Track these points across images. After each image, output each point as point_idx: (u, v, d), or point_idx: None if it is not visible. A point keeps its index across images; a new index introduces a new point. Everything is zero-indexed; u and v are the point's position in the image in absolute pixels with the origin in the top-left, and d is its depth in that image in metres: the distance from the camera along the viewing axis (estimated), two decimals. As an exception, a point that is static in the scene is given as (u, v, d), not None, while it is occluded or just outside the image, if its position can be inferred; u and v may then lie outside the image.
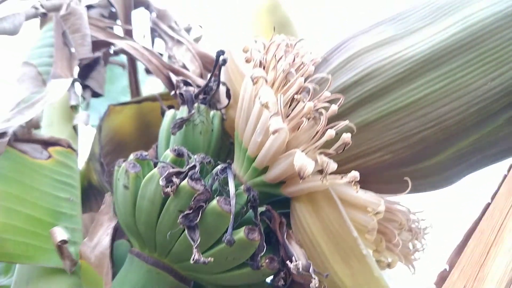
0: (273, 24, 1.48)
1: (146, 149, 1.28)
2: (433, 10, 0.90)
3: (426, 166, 0.92)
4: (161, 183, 0.85)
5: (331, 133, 0.82)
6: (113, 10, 1.44)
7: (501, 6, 0.84)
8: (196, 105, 1.08)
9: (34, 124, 1.04)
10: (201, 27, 1.57)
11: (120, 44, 1.22)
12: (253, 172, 0.99)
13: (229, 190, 0.88)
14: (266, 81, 0.90)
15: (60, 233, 0.87)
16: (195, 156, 0.95)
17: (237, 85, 1.10)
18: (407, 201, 1.02)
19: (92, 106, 1.65)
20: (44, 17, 1.26)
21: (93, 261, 0.87)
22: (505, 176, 0.84)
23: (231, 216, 0.85)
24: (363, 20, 1.01)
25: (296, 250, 0.92)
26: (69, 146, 1.11)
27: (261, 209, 1.00)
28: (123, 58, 1.54)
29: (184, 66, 1.26)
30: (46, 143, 1.07)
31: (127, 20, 1.43)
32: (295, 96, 0.86)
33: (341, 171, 0.92)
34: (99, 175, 1.26)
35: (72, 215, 1.05)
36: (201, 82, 1.23)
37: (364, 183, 0.97)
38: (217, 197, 0.87)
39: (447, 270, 0.82)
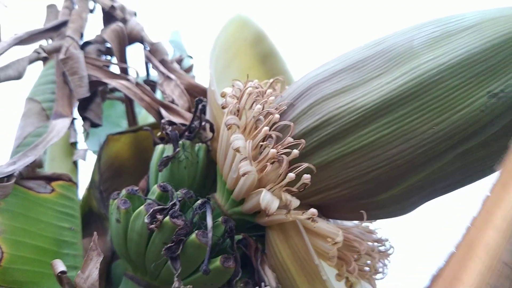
0: (258, 56, 1.59)
1: (142, 173, 1.42)
2: (386, 61, 1.00)
3: (382, 199, 1.03)
4: (146, 220, 0.98)
5: (291, 175, 0.94)
6: (109, 46, 1.56)
7: (444, 59, 0.94)
8: (181, 142, 1.20)
9: (37, 164, 1.16)
10: (191, 57, 1.69)
11: (114, 83, 1.34)
12: (232, 202, 1.11)
13: (205, 224, 1.00)
14: (238, 127, 1.02)
15: (59, 265, 1.00)
16: (179, 192, 1.08)
17: (219, 120, 1.21)
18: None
19: (93, 132, 1.79)
20: (45, 60, 1.39)
21: None
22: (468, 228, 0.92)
23: (208, 248, 0.97)
24: (328, 61, 1.12)
25: (268, 274, 1.05)
26: (70, 180, 1.24)
27: (238, 237, 1.12)
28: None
29: (173, 101, 1.37)
30: (49, 178, 1.21)
31: (122, 55, 1.55)
32: (262, 142, 0.97)
33: (307, 203, 1.05)
34: (98, 202, 1.39)
35: (73, 243, 1.18)
36: (189, 116, 1.35)
37: (329, 212, 1.10)
38: (196, 231, 0.99)
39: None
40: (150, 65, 1.60)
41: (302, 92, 1.07)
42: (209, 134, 1.27)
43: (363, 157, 0.97)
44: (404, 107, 0.95)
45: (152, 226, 0.98)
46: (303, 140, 0.97)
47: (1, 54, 1.22)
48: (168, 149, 1.18)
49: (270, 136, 0.97)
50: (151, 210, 1.00)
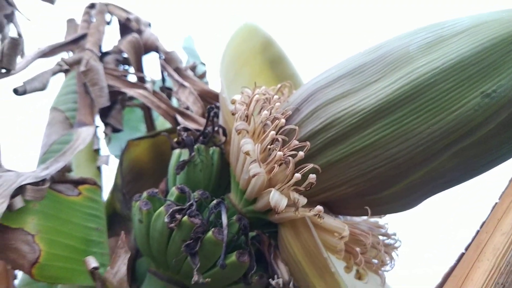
0: (267, 61, 1.67)
1: (161, 176, 1.51)
2: (384, 66, 1.07)
3: (385, 195, 1.09)
4: (166, 220, 1.07)
5: (297, 176, 1.01)
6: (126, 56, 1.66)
7: (437, 63, 1.01)
8: (196, 146, 1.29)
9: (67, 169, 1.26)
10: (204, 64, 1.77)
11: (132, 93, 1.44)
12: (245, 202, 1.19)
13: (220, 222, 1.09)
14: (247, 131, 1.10)
15: (92, 261, 1.10)
16: (195, 193, 1.17)
17: (230, 125, 1.29)
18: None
19: (114, 137, 1.89)
20: (67, 72, 1.49)
21: (115, 285, 1.10)
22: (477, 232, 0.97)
23: (223, 244, 1.06)
24: (329, 68, 1.20)
25: (281, 267, 1.13)
26: (95, 183, 1.34)
27: (253, 234, 1.21)
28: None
29: (188, 108, 1.46)
30: (77, 182, 1.31)
31: (139, 64, 1.64)
32: (269, 146, 1.05)
33: (315, 200, 1.12)
34: (121, 204, 1.49)
35: (100, 242, 1.28)
36: (203, 121, 1.44)
37: (338, 209, 1.18)
38: (212, 229, 1.08)
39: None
40: (165, 73, 1.69)
41: (306, 98, 1.14)
42: (222, 138, 1.35)
43: (365, 156, 1.04)
44: (402, 109, 1.02)
45: (172, 225, 1.07)
46: (308, 143, 1.05)
47: (26, 67, 1.32)
48: (184, 154, 1.27)
49: (277, 140, 1.05)
50: (171, 210, 1.09)
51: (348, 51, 1.24)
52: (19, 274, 1.47)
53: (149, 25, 1.75)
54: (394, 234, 1.26)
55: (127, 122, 2.05)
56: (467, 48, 1.00)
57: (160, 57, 1.66)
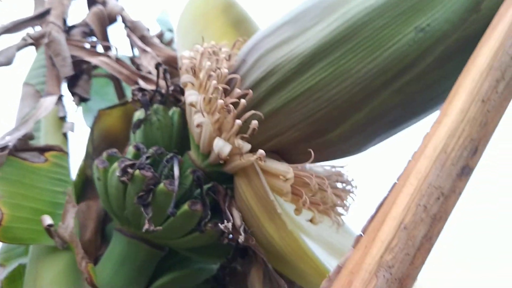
0: (231, 22, 1.67)
1: None
2: (322, 10, 1.07)
3: (332, 137, 1.11)
4: (117, 174, 1.11)
5: (238, 122, 1.04)
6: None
7: (371, 1, 1.01)
8: (155, 106, 1.31)
9: (29, 137, 1.30)
10: (171, 31, 1.79)
11: (95, 61, 1.46)
12: (202, 156, 1.22)
13: (172, 174, 1.12)
14: (193, 84, 1.12)
15: (47, 219, 1.14)
16: (150, 149, 1.20)
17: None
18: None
19: (89, 109, 1.93)
20: (31, 46, 1.52)
21: (68, 238, 1.14)
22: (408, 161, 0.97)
23: (174, 194, 1.09)
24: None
25: (234, 214, 1.16)
26: (61, 150, 1.38)
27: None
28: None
29: (150, 72, 1.49)
30: (43, 150, 1.35)
31: (104, 35, 1.67)
32: (212, 96, 1.07)
33: (266, 149, 1.14)
34: (91, 169, 1.53)
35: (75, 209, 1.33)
36: (163, 81, 1.46)
37: (288, 156, 1.19)
38: (164, 180, 1.11)
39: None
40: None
41: (251, 48, 1.16)
42: (183, 99, 1.37)
43: (307, 100, 1.06)
44: (338, 50, 1.03)
45: (123, 178, 1.10)
46: (250, 91, 1.07)
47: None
48: (141, 114, 1.30)
49: (219, 89, 1.07)
50: (123, 165, 1.12)
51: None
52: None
53: (115, -4, 1.77)
54: (351, 180, 1.28)
55: (105, 95, 2.09)
56: None
57: (125, 27, 1.68)
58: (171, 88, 1.32)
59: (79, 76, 1.59)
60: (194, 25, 1.50)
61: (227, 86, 1.08)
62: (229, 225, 1.08)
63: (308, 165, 1.35)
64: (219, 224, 1.09)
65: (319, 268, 1.05)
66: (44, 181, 1.30)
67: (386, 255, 0.80)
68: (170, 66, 1.63)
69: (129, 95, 1.84)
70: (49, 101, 1.37)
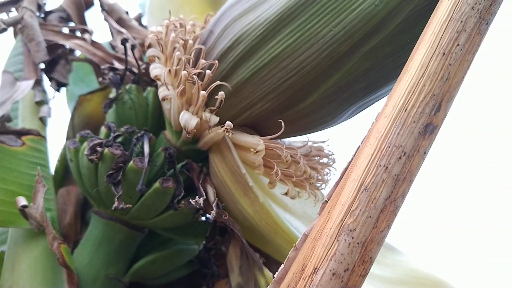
0: (208, 1, 1.64)
1: None
2: (285, -24, 1.04)
3: (303, 107, 1.08)
4: (85, 152, 1.09)
5: (203, 93, 1.01)
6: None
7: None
8: (128, 86, 1.29)
9: (6, 119, 1.29)
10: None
11: (69, 44, 1.45)
12: (176, 135, 1.20)
13: (143, 152, 1.10)
14: (159, 58, 1.10)
15: (21, 200, 1.14)
16: (121, 128, 1.18)
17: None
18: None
19: (75, 96, 1.91)
20: (4, 32, 1.51)
21: (39, 219, 1.13)
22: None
23: (143, 171, 1.07)
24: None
25: (208, 190, 1.14)
26: (39, 134, 1.37)
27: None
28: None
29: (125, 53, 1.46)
30: (20, 133, 1.34)
31: (81, 19, 1.65)
32: (177, 67, 1.05)
33: (239, 123, 1.13)
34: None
35: (46, 188, 1.32)
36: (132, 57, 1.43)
37: (262, 130, 1.17)
38: (134, 158, 1.10)
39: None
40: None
41: (218, 19, 1.13)
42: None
43: (275, 69, 1.03)
44: (303, 14, 0.99)
45: (92, 157, 1.09)
46: (216, 61, 1.04)
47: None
48: (112, 93, 1.28)
49: (183, 61, 1.04)
50: (92, 143, 1.11)
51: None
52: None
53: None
54: (331, 154, 1.26)
55: (90, 83, 2.07)
56: None
57: (102, 10, 1.66)
58: (143, 66, 1.30)
59: (57, 61, 1.57)
60: (169, 3, 1.47)
61: (191, 57, 1.05)
62: (201, 200, 1.06)
63: (287, 141, 1.33)
64: (191, 200, 1.07)
65: (293, 241, 1.02)
66: (21, 165, 1.29)
67: (347, 219, 0.77)
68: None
69: (110, 80, 1.82)
70: (25, 85, 1.36)
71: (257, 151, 1.05)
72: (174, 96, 1.05)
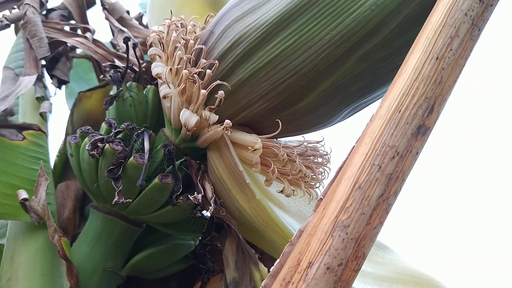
0: (208, 2, 1.67)
1: None
2: (285, -21, 1.07)
3: (300, 108, 1.11)
4: (87, 148, 1.12)
5: (203, 92, 1.04)
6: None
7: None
8: (128, 83, 1.32)
9: (9, 113, 1.31)
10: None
11: (71, 41, 1.47)
12: (176, 132, 1.23)
13: (143, 148, 1.13)
14: (160, 57, 1.13)
15: (22, 194, 1.16)
16: (122, 125, 1.21)
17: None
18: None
19: (73, 92, 1.93)
20: (7, 28, 1.53)
21: (40, 212, 1.16)
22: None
23: (143, 167, 1.10)
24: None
25: (206, 187, 1.16)
26: (40, 129, 1.39)
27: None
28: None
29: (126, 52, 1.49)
30: (21, 128, 1.36)
31: (83, 17, 1.67)
32: (178, 66, 1.07)
33: (238, 122, 1.16)
34: (69, 149, 1.55)
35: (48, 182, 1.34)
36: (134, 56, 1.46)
37: (260, 129, 1.20)
38: (134, 154, 1.12)
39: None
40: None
41: (218, 19, 1.16)
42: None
43: (273, 70, 1.06)
44: (301, 17, 1.03)
45: (93, 152, 1.11)
46: (216, 61, 1.07)
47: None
48: (113, 91, 1.30)
49: (185, 60, 1.07)
50: (93, 139, 1.13)
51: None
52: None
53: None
54: (325, 153, 1.29)
55: (90, 81, 2.10)
56: None
57: (103, 9, 1.68)
58: (144, 64, 1.32)
59: (58, 59, 1.60)
60: (169, 4, 1.50)
61: (192, 57, 1.08)
62: (199, 196, 1.09)
63: (283, 140, 1.36)
64: (189, 196, 1.10)
65: (287, 237, 1.05)
66: (22, 159, 1.32)
67: (342, 215, 0.80)
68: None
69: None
70: (28, 80, 1.38)
71: (254, 149, 1.08)
72: (175, 94, 1.08)
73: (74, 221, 1.40)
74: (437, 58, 0.83)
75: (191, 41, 1.10)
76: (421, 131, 0.83)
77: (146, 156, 1.11)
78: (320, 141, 1.31)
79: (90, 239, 1.26)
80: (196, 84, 1.05)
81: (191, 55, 1.10)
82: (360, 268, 0.80)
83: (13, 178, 1.26)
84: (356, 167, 0.81)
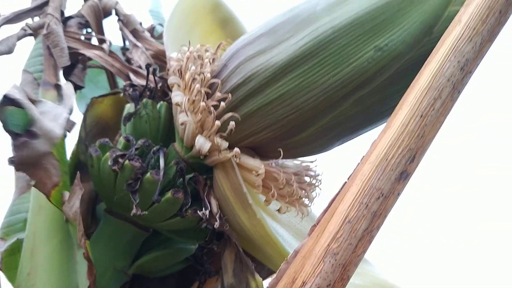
0: (218, 21, 1.79)
1: None
2: (295, 25, 1.21)
3: (300, 139, 1.26)
4: (109, 163, 1.25)
5: (218, 123, 1.18)
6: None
7: (337, 21, 1.15)
8: (144, 100, 1.45)
9: (69, 127, 1.46)
10: (161, 25, 1.91)
11: (89, 53, 1.59)
12: (186, 149, 1.36)
13: (159, 165, 1.27)
14: (179, 85, 1.26)
15: (66, 195, 1.31)
16: (139, 141, 1.34)
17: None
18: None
19: (83, 96, 2.05)
20: (30, 36, 1.64)
21: (71, 216, 1.29)
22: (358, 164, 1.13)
23: (159, 183, 1.24)
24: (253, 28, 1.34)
25: (212, 202, 1.31)
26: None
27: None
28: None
29: (140, 67, 1.61)
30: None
31: (99, 27, 1.78)
32: (195, 98, 1.21)
33: (243, 145, 1.30)
34: (85, 154, 1.67)
35: (66, 182, 1.47)
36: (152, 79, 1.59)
37: (263, 153, 1.35)
38: (151, 170, 1.26)
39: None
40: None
41: (232, 54, 1.29)
42: (169, 94, 1.51)
43: (279, 105, 1.20)
44: (307, 63, 1.17)
45: (114, 167, 1.24)
46: (229, 95, 1.21)
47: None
48: (131, 107, 1.43)
49: (201, 92, 1.21)
50: (114, 155, 1.26)
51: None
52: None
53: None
54: (318, 175, 1.44)
55: (97, 83, 2.21)
56: (364, 6, 1.14)
57: (118, 20, 1.79)
58: (160, 84, 1.45)
59: (75, 65, 1.71)
60: (183, 24, 1.62)
61: (209, 90, 1.22)
62: (207, 212, 1.23)
63: (280, 161, 1.51)
64: (198, 211, 1.24)
65: (282, 252, 1.21)
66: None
67: (333, 244, 0.95)
68: (159, 59, 1.77)
69: (120, 85, 1.97)
70: (66, 87, 1.50)
71: (258, 174, 1.22)
72: (191, 122, 1.22)
73: (87, 222, 1.53)
74: (421, 116, 0.99)
75: (208, 75, 1.23)
76: (403, 176, 0.99)
77: (162, 173, 1.25)
78: (313, 161, 1.47)
79: (103, 241, 1.40)
80: (212, 115, 1.19)
81: (207, 87, 1.23)
82: (344, 288, 0.96)
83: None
84: (347, 204, 0.97)
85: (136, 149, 1.30)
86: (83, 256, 1.31)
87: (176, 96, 1.23)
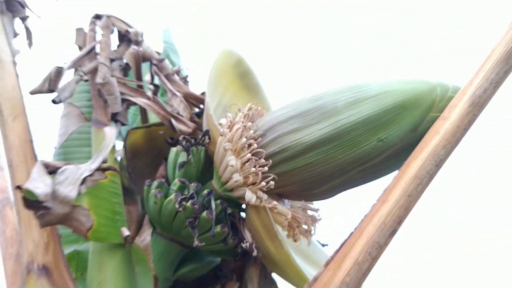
0: (238, 74, 2.18)
1: (151, 154, 2.07)
2: (320, 114, 1.66)
3: (317, 192, 1.75)
4: (176, 205, 1.65)
5: (263, 184, 1.63)
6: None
7: (354, 117, 1.62)
8: (193, 150, 1.84)
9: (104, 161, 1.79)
10: (187, 69, 2.26)
11: (139, 102, 1.93)
12: (224, 189, 1.79)
13: (211, 207, 1.69)
14: (231, 150, 1.69)
15: (125, 231, 1.68)
16: (192, 185, 1.75)
17: (214, 131, 1.84)
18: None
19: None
20: (83, 80, 1.93)
21: (142, 247, 1.69)
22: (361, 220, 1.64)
23: (213, 221, 1.67)
24: (288, 104, 1.78)
25: (247, 233, 1.77)
26: (115, 169, 1.87)
27: (229, 211, 1.82)
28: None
29: (179, 113, 1.99)
30: (104, 169, 1.83)
31: (139, 73, 2.11)
32: (246, 164, 1.65)
33: (273, 192, 1.75)
34: (128, 180, 2.02)
35: (120, 212, 1.83)
36: (191, 124, 1.98)
37: (286, 197, 1.82)
38: (206, 211, 1.68)
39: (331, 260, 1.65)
40: (157, 78, 2.17)
41: (270, 127, 1.73)
42: (207, 140, 1.91)
43: (304, 170, 1.67)
44: (328, 144, 1.64)
45: (180, 209, 1.65)
46: (270, 161, 1.66)
47: (69, 90, 1.76)
48: (182, 156, 1.82)
49: (251, 159, 1.65)
50: (179, 199, 1.67)
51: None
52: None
53: (142, 35, 2.18)
54: (317, 210, 1.94)
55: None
56: (374, 109, 1.62)
57: (151, 64, 2.13)
58: (204, 137, 1.85)
59: (120, 105, 2.04)
60: (219, 83, 2.01)
61: (256, 158, 1.65)
62: (248, 244, 1.69)
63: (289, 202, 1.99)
64: (241, 244, 1.70)
65: (299, 273, 1.70)
66: (107, 194, 1.80)
67: (346, 278, 1.47)
68: (187, 101, 2.14)
69: (151, 119, 2.31)
70: (111, 132, 1.83)
71: (286, 218, 1.70)
72: (241, 180, 1.65)
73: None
74: (408, 195, 1.51)
75: (255, 145, 1.67)
76: (393, 233, 1.52)
77: (214, 213, 1.68)
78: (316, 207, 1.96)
79: (156, 257, 1.81)
80: (258, 177, 1.63)
81: (252, 155, 1.67)
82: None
83: (106, 211, 1.75)
84: (357, 251, 1.48)
85: (195, 194, 1.71)
86: (140, 269, 1.73)
87: (231, 160, 1.66)
